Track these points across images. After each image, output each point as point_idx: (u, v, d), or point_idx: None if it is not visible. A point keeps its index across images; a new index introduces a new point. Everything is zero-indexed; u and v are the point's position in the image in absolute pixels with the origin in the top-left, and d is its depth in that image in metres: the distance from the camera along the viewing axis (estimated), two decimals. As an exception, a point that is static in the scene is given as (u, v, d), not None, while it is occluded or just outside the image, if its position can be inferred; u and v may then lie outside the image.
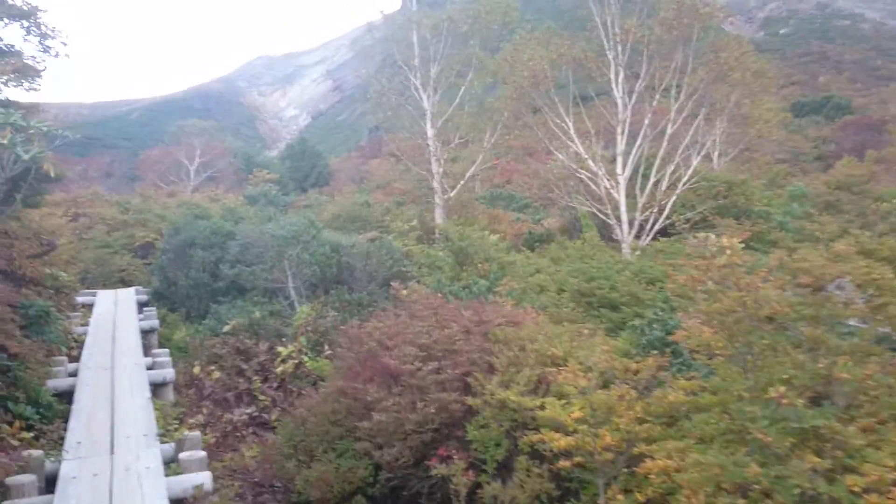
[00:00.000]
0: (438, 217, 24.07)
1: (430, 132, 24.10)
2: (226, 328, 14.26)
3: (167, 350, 13.25)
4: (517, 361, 7.19)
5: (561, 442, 6.11)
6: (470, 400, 7.31)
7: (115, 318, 17.00)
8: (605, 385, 6.54)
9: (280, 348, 12.83)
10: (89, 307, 19.41)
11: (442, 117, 24.14)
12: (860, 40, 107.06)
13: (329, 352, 13.55)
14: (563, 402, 6.46)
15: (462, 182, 24.40)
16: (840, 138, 48.36)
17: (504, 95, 22.21)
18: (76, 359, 12.95)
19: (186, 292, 17.69)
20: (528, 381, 7.00)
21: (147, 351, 15.13)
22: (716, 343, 6.17)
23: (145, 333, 16.27)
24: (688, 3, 17.65)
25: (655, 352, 7.27)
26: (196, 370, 13.29)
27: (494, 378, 7.08)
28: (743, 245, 12.26)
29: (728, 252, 11.70)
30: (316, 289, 16.22)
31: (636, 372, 6.71)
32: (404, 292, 16.07)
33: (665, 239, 21.09)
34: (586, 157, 20.42)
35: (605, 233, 24.78)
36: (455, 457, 7.06)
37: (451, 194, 24.13)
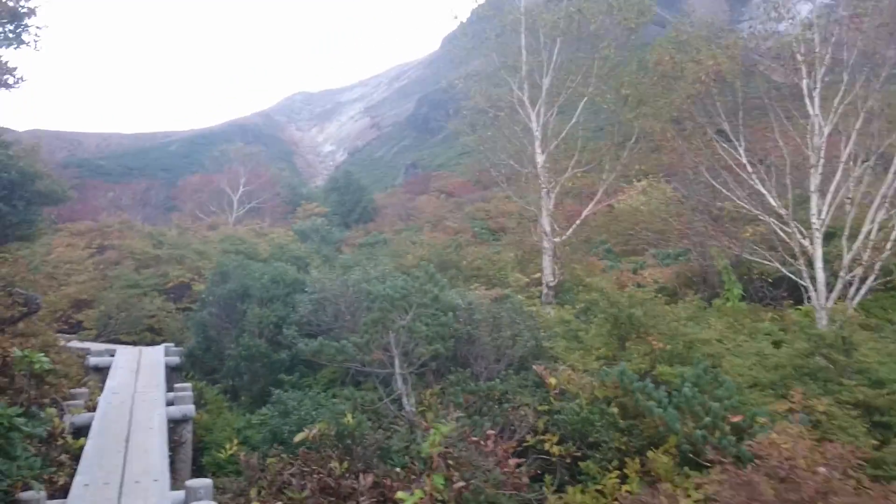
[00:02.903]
0: (546, 265, 18.91)
1: (539, 159, 19.01)
2: (298, 437, 9.11)
3: (209, 482, 8.04)
4: None
5: None
6: None
7: (134, 399, 12.08)
8: None
9: (399, 492, 7.56)
10: (103, 372, 14.63)
11: (556, 139, 19.08)
12: None
13: (460, 483, 8.34)
14: None
15: (578, 221, 19.19)
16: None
17: (649, 113, 17.12)
18: (64, 491, 7.95)
19: (236, 364, 12.65)
20: None
21: (177, 460, 10.37)
22: None
23: (175, 424, 11.32)
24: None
25: None
26: (253, 510, 8.15)
27: None
28: None
29: None
30: (424, 373, 11.06)
31: None
32: (552, 380, 10.97)
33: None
34: (765, 193, 15.21)
35: (753, 293, 19.43)
36: None
37: (568, 234, 18.95)
